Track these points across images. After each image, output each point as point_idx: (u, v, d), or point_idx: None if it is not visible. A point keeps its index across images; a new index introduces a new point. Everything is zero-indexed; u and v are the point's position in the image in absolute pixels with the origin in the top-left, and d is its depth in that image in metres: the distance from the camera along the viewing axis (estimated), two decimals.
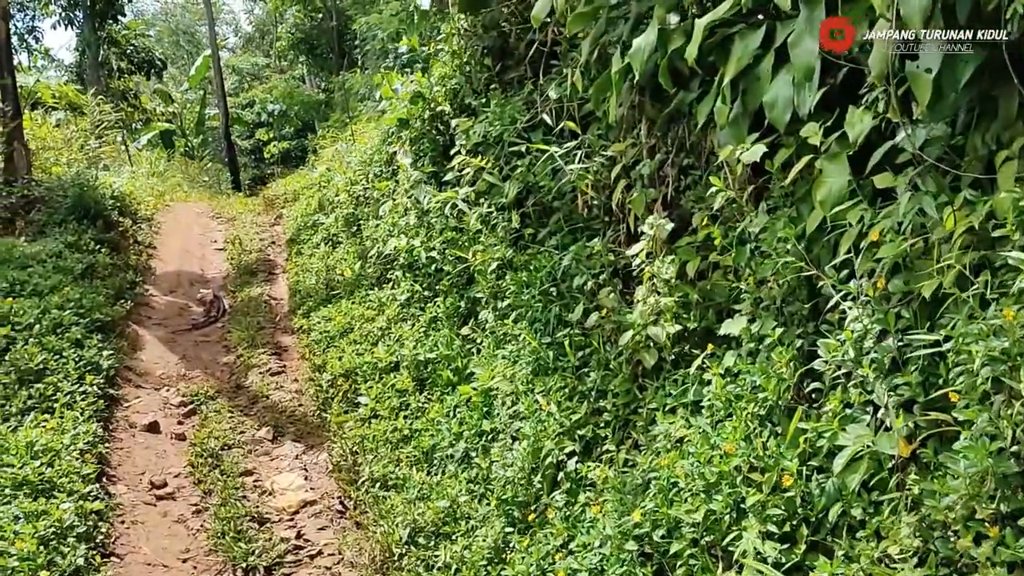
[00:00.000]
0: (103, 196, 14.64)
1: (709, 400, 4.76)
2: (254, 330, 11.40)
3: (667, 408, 5.25)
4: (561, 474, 5.70)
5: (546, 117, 6.80)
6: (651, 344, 5.67)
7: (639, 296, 5.87)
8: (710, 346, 5.12)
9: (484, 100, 8.60)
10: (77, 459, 6.68)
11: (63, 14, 28.65)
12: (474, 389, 7.12)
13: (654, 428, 5.27)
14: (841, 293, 3.97)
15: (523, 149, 7.45)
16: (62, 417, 7.42)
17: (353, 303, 10.68)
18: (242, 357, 10.56)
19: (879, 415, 3.65)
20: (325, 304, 11.32)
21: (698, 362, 5.12)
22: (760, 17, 4.95)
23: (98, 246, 13.04)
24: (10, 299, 9.29)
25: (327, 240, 13.90)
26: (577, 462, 5.68)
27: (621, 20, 6.37)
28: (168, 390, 9.55)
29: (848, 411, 3.80)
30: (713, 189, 4.98)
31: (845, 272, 4.08)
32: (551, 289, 7.04)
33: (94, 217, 13.86)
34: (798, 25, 4.60)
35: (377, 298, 10.05)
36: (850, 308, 3.85)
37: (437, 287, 8.96)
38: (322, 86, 35.27)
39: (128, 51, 30.35)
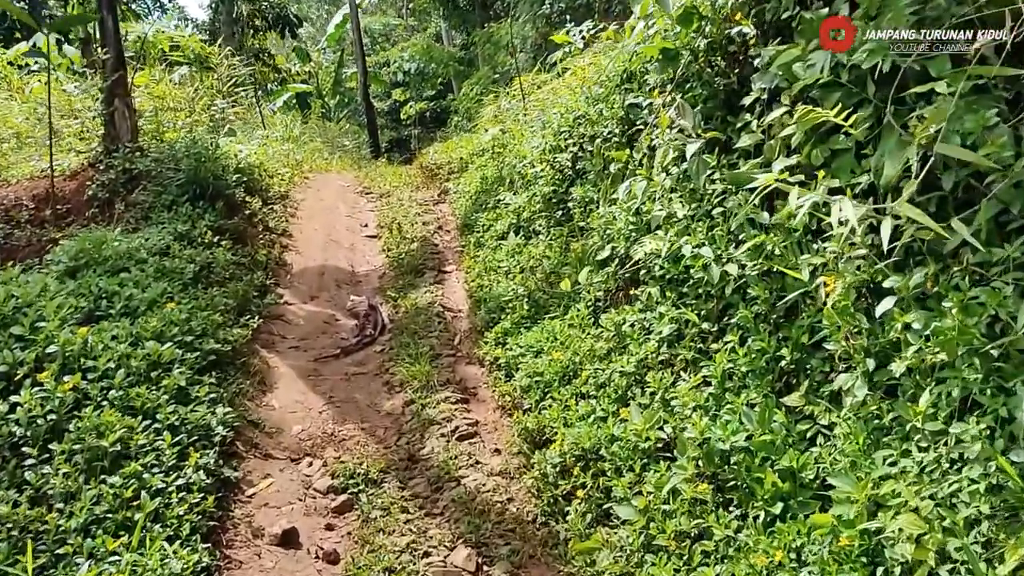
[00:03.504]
0: (226, 169, 12.51)
1: None
2: (427, 360, 8.92)
3: None
4: None
5: None
6: None
7: None
8: None
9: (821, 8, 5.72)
10: None
11: None
12: (840, 521, 4.39)
13: None
14: None
15: (936, 89, 4.56)
16: (143, 547, 5.05)
17: (572, 327, 8.06)
18: (413, 404, 8.09)
19: None
20: (527, 326, 8.74)
21: None
22: None
23: (217, 237, 10.89)
24: (86, 328, 7.06)
25: (517, 228, 11.31)
26: None
27: None
28: (311, 463, 7.16)
29: None
30: None
31: None
32: (990, 349, 4.20)
33: (213, 197, 11.72)
34: None
35: (614, 324, 7.36)
36: None
37: (729, 320, 6.19)
38: (459, 43, 36.26)
39: (263, 7, 30.34)
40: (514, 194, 12.14)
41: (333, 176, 19.85)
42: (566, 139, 10.29)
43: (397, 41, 42.96)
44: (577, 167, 9.92)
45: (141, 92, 16.84)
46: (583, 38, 14.74)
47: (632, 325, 7.20)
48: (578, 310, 8.25)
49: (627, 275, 7.64)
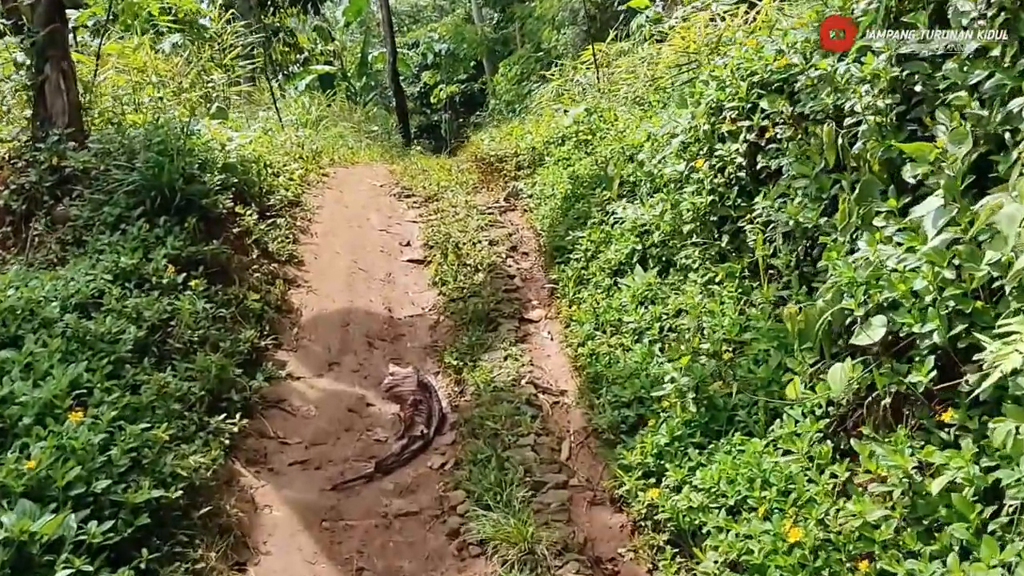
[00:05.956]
0: (206, 166, 9.31)
1: None
2: (523, 499, 5.70)
3: None
4: None
5: None
6: None
7: None
8: None
9: None
10: None
11: None
12: None
13: None
14: None
15: None
16: None
17: (791, 455, 4.82)
18: None
19: None
20: (697, 440, 5.51)
21: None
22: None
23: (184, 273, 7.67)
24: None
25: (643, 257, 8.07)
26: None
27: None
28: None
29: None
30: None
31: None
32: None
33: (183, 209, 8.48)
34: None
35: (897, 469, 4.10)
36: None
37: None
38: (493, 21, 36.47)
39: None
40: (633, 202, 8.88)
41: (360, 170, 16.68)
42: (736, 118, 7.00)
43: (425, 23, 43.69)
44: (759, 165, 6.65)
45: (115, 62, 13.89)
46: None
47: (955, 483, 3.92)
48: (796, 422, 5.01)
49: (925, 379, 4.34)
